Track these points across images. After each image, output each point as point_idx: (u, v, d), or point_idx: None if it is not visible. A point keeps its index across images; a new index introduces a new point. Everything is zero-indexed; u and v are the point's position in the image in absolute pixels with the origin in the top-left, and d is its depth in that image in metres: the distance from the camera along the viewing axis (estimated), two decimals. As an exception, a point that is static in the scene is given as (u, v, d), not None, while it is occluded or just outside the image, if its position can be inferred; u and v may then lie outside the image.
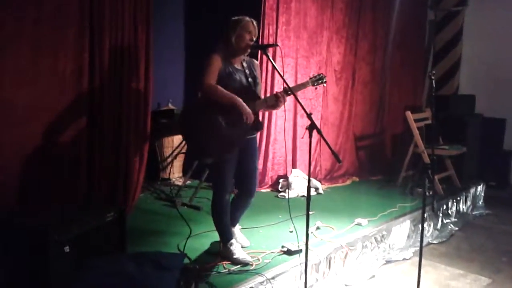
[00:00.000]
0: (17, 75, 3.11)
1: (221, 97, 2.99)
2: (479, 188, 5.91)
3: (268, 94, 4.94)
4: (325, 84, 3.30)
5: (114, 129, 3.69)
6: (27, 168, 3.20)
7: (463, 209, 5.47)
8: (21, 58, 3.12)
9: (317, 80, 3.26)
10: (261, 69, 4.88)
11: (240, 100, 3.01)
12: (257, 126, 3.24)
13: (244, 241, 3.48)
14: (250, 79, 3.18)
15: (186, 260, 3.02)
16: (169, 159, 5.20)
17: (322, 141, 2.95)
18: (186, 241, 3.18)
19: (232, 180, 3.24)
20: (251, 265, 3.11)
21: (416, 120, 5.46)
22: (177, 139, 5.17)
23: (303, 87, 3.32)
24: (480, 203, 5.92)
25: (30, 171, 3.22)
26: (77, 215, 2.51)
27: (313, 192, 5.14)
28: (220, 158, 3.07)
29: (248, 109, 3.03)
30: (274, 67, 3.30)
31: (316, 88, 3.37)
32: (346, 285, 3.51)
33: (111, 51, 3.58)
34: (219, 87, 3.00)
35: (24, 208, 3.07)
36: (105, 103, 3.59)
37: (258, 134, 4.65)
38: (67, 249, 2.20)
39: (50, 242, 2.14)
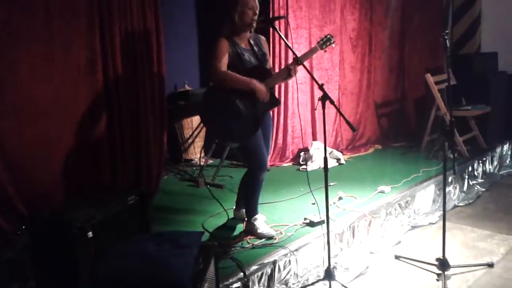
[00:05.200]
0: (32, 71, 3.14)
1: (235, 83, 3.01)
2: (506, 147, 5.79)
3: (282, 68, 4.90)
4: (333, 45, 3.19)
5: (132, 115, 3.73)
6: (52, 161, 3.27)
7: (489, 169, 5.38)
8: (35, 54, 3.16)
9: (325, 42, 3.17)
10: (273, 44, 4.86)
11: (255, 82, 3.02)
12: (274, 102, 3.25)
13: None
14: (259, 57, 3.18)
15: (209, 237, 3.09)
16: (190, 140, 5.26)
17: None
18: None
19: (266, 155, 3.26)
20: (275, 238, 3.15)
21: (437, 83, 5.34)
22: (196, 120, 5.21)
23: (312, 53, 3.27)
24: (508, 162, 5.81)
25: (55, 163, 3.29)
26: (100, 201, 2.58)
27: (335, 163, 5.13)
28: (246, 140, 3.10)
29: (264, 90, 3.04)
30: (282, 39, 3.25)
31: (325, 51, 3.25)
32: (371, 253, 3.52)
33: (122, 39, 3.58)
34: (231, 73, 3.00)
35: (49, 199, 3.17)
36: (121, 91, 3.62)
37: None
38: (90, 234, 2.28)
39: (74, 229, 2.23)
